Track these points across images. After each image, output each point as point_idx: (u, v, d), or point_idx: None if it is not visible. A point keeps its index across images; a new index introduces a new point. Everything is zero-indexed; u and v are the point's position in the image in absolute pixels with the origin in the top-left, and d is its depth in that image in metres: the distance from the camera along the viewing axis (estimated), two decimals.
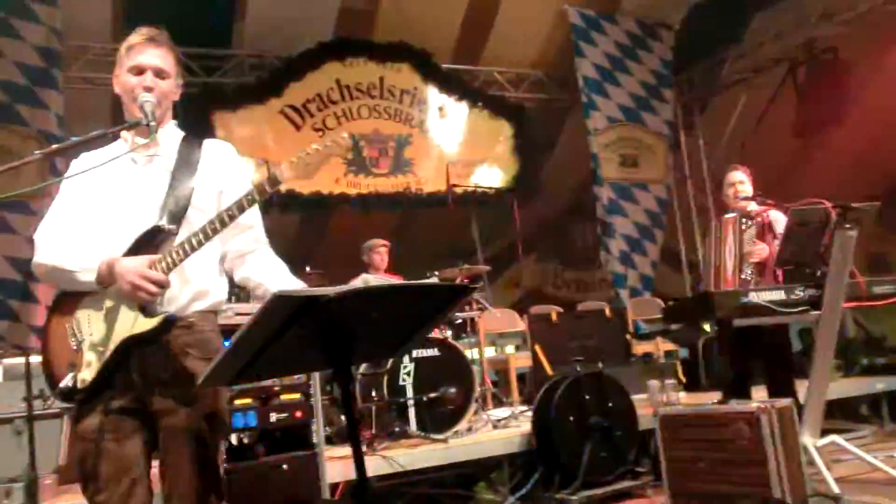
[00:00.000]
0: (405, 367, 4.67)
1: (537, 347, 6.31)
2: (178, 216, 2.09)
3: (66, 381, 1.93)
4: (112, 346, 1.97)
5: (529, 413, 5.41)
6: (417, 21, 7.12)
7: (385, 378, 4.60)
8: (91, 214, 2.09)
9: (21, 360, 4.50)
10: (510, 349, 7.27)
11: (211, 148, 2.26)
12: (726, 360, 4.55)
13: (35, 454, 3.82)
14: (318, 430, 3.61)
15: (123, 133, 2.19)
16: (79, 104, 6.90)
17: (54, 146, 1.99)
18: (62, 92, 6.65)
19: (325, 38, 6.94)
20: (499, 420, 5.14)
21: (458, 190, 6.42)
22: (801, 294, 4.05)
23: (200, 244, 2.01)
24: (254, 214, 2.25)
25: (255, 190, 2.05)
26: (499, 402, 5.88)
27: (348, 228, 6.96)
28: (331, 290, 1.57)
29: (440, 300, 1.90)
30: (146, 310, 1.98)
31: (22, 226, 6.27)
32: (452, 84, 7.55)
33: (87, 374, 1.94)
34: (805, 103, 8.06)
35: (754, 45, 8.18)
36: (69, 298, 2.06)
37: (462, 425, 4.71)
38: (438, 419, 4.64)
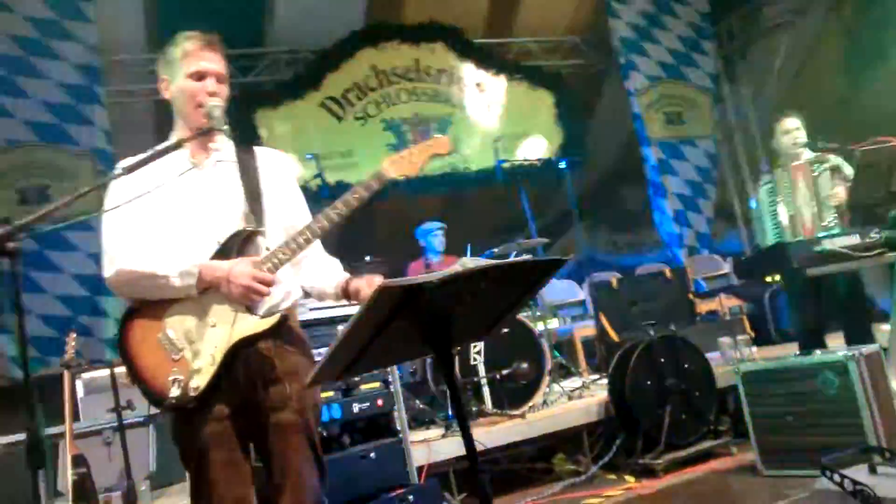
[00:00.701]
0: (475, 346, 4.67)
1: (601, 315, 6.28)
2: (258, 219, 2.11)
3: (174, 391, 1.93)
4: (224, 348, 1.98)
5: (601, 381, 5.41)
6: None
7: (456, 359, 4.61)
8: (165, 221, 2.07)
9: (99, 373, 4.64)
10: (571, 319, 7.22)
11: (264, 154, 2.29)
12: (800, 312, 4.44)
13: (129, 462, 3.92)
14: (401, 417, 3.64)
15: (176, 135, 2.18)
16: (123, 117, 7.01)
17: (134, 161, 1.99)
18: (105, 107, 6.77)
19: (356, 27, 6.93)
20: (572, 391, 5.13)
21: (506, 165, 6.38)
22: (877, 236, 3.95)
23: (308, 242, 2.04)
24: (305, 213, 2.28)
25: (362, 187, 2.06)
26: (568, 373, 5.86)
27: (396, 214, 6.96)
28: (433, 277, 1.57)
29: (534, 275, 1.88)
30: (251, 310, 2.01)
31: (84, 243, 6.42)
32: (488, 59, 7.48)
33: (199, 381, 1.95)
34: (851, 42, 7.80)
35: None
36: (149, 308, 2.03)
37: (537, 399, 4.71)
38: (513, 395, 4.63)
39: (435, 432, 4.38)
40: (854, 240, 3.93)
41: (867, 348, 3.52)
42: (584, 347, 6.60)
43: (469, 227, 6.66)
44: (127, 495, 3.77)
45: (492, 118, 7.48)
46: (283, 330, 2.05)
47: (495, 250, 5.30)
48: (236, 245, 2.06)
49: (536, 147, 7.71)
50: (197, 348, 1.98)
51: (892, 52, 7.46)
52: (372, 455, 3.44)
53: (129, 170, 1.93)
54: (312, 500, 2.05)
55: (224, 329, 2.00)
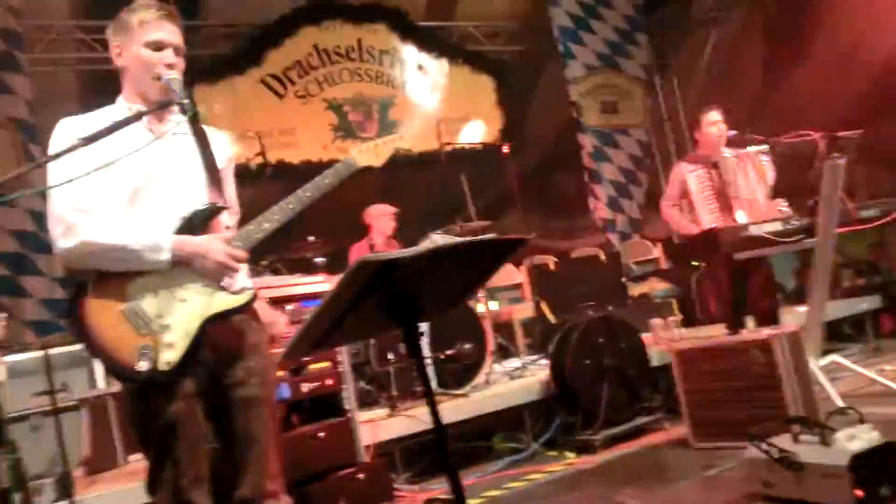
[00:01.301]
0: (419, 327, 4.75)
1: (539, 297, 6.45)
2: (220, 194, 2.13)
3: (143, 364, 1.90)
4: (198, 323, 1.98)
5: (541, 362, 5.59)
6: None
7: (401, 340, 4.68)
8: (125, 191, 2.03)
9: (21, 356, 4.49)
10: (509, 301, 7.38)
11: (211, 133, 2.29)
12: (722, 295, 4.70)
13: (64, 448, 3.81)
14: (350, 396, 3.69)
15: (128, 104, 2.16)
16: (46, 87, 6.69)
17: (90, 133, 1.93)
18: (28, 76, 6.48)
19: (298, 3, 6.86)
20: (513, 371, 5.28)
21: (448, 148, 6.47)
22: (797, 224, 4.21)
23: (280, 222, 2.07)
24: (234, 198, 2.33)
25: (332, 173, 2.12)
26: (507, 354, 6.02)
27: (334, 194, 6.91)
28: (407, 252, 1.64)
29: (498, 253, 1.97)
30: (222, 286, 2.04)
31: (3, 219, 6.18)
32: (430, 42, 7.52)
33: (171, 356, 1.94)
34: (773, 39, 8.17)
35: None
36: (109, 281, 1.98)
37: (480, 379, 4.83)
38: (456, 375, 4.75)
39: (380, 412, 4.46)
40: (777, 226, 4.19)
41: (790, 328, 3.77)
42: (522, 329, 6.77)
43: (407, 208, 6.70)
44: (61, 482, 3.62)
45: (433, 101, 7.55)
46: (250, 306, 2.10)
47: (438, 232, 5.38)
48: (201, 220, 2.07)
49: (477, 131, 7.82)
50: (166, 322, 1.97)
51: (810, 51, 7.84)
52: (321, 434, 3.48)
53: (89, 140, 1.89)
54: (276, 474, 2.10)
55: (195, 304, 2.01)
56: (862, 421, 2.75)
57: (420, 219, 8.01)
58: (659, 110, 8.89)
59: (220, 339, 2.06)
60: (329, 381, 3.58)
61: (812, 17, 7.80)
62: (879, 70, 7.66)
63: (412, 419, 4.22)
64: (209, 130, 2.28)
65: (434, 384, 4.68)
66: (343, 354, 3.72)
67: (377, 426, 4.11)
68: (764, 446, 2.82)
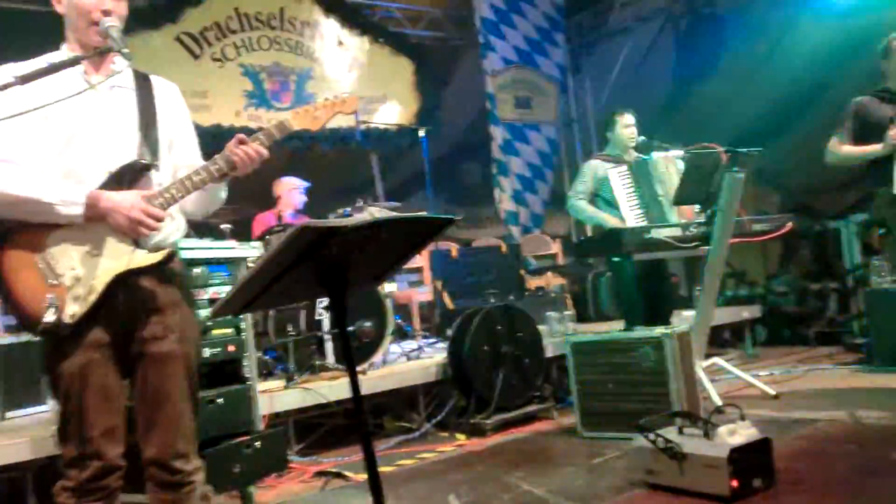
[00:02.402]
0: (321, 301, 4.72)
1: (438, 282, 6.53)
2: (153, 151, 2.07)
3: (49, 317, 1.86)
4: (106, 279, 1.94)
5: (438, 345, 5.66)
6: None
7: (303, 313, 4.65)
8: (51, 141, 1.97)
9: None
10: (409, 284, 7.42)
11: (162, 86, 2.24)
12: (627, 293, 4.90)
13: None
14: (252, 365, 3.64)
15: (68, 53, 2.08)
16: None
17: (28, 71, 1.86)
18: None
19: None
20: (410, 352, 5.33)
21: (363, 127, 6.42)
22: (695, 231, 4.45)
23: (204, 183, 2.02)
24: (195, 151, 2.30)
25: (264, 135, 2.08)
26: (404, 336, 6.06)
27: None
28: (348, 222, 1.64)
29: (427, 231, 2.00)
30: (139, 243, 1.97)
31: None
32: (353, 19, 7.42)
33: (76, 308, 1.90)
34: (683, 54, 8.55)
35: None
36: (26, 231, 1.93)
37: (377, 357, 4.85)
38: (355, 352, 4.75)
39: (276, 384, 4.41)
40: (677, 231, 4.42)
41: (679, 328, 3.98)
42: (420, 312, 6.83)
43: (316, 183, 6.62)
44: None
45: (351, 78, 7.46)
46: (168, 264, 2.04)
47: (349, 209, 5.34)
48: (129, 176, 2.01)
49: (393, 112, 7.80)
50: (77, 275, 1.93)
51: (717, 67, 8.26)
52: (219, 401, 3.41)
53: (24, 80, 1.80)
54: (187, 434, 2.06)
55: (109, 260, 1.96)
56: (743, 418, 2.95)
57: (328, 195, 7.95)
58: (569, 110, 9.13)
59: (136, 295, 2.02)
60: (231, 348, 3.51)
61: (720, 36, 8.21)
62: (776, 92, 8.19)
63: (307, 392, 4.21)
64: (157, 80, 2.20)
65: (332, 359, 4.67)
66: (247, 322, 3.65)
67: (272, 397, 4.07)
68: (652, 436, 2.99)
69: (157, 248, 2.03)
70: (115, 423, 1.98)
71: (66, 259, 1.94)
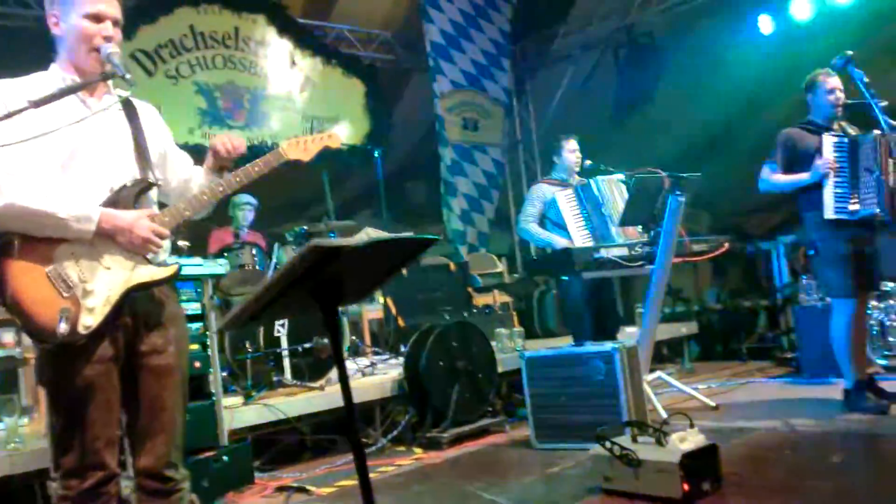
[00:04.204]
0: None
1: (389, 300, 6.64)
2: (149, 168, 2.16)
3: (63, 327, 1.90)
4: (121, 291, 2.02)
5: (391, 361, 5.77)
6: None
7: (261, 329, 4.70)
8: (55, 160, 2.03)
9: None
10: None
11: (143, 108, 2.33)
12: (576, 310, 5.11)
13: None
14: (217, 380, 3.69)
15: (62, 74, 2.15)
16: None
17: (35, 99, 1.91)
18: None
19: None
20: (365, 367, 5.42)
21: None
22: (640, 250, 4.69)
23: (210, 202, 2.12)
24: (191, 165, 2.42)
25: (262, 162, 2.20)
26: (357, 352, 6.14)
27: None
28: (348, 242, 1.77)
29: (412, 250, 2.14)
30: (146, 258, 2.05)
31: None
32: (307, 40, 7.52)
33: (90, 321, 1.96)
34: (622, 81, 8.91)
35: (582, 25, 8.89)
36: (33, 243, 1.97)
37: (334, 373, 4.91)
38: (312, 368, 4.82)
39: (234, 400, 4.44)
40: (624, 251, 4.65)
41: (628, 343, 4.20)
42: (370, 328, 6.92)
43: (266, 200, 6.66)
44: None
45: (304, 98, 7.55)
46: (174, 280, 2.13)
47: (306, 227, 5.42)
48: (132, 195, 2.09)
49: (343, 132, 7.90)
50: (90, 288, 1.99)
51: (654, 94, 8.65)
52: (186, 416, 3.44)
53: (37, 104, 1.87)
54: (179, 444, 2.14)
55: (120, 273, 2.04)
56: (692, 426, 3.16)
57: (277, 212, 7.98)
58: (514, 132, 9.39)
59: (140, 308, 2.10)
60: (196, 364, 3.56)
61: (657, 64, 8.61)
62: (708, 117, 8.62)
63: (266, 408, 4.26)
64: (140, 104, 2.28)
65: (288, 375, 4.73)
66: (212, 339, 3.70)
67: (232, 413, 4.11)
68: (608, 444, 3.17)
69: (162, 264, 2.12)
70: (115, 433, 2.05)
71: (78, 272, 1.99)
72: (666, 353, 7.24)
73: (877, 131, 4.19)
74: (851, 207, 4.17)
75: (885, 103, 4.21)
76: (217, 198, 2.20)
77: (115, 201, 2.08)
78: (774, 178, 4.44)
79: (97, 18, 2.11)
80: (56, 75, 2.15)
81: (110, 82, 2.20)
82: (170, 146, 2.36)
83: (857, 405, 4.19)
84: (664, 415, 4.35)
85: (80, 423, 1.98)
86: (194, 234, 5.38)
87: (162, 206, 2.24)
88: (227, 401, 4.42)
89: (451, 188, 8.15)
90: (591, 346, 4.22)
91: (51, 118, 1.99)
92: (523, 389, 4.38)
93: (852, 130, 4.42)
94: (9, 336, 4.24)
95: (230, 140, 2.30)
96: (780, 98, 7.36)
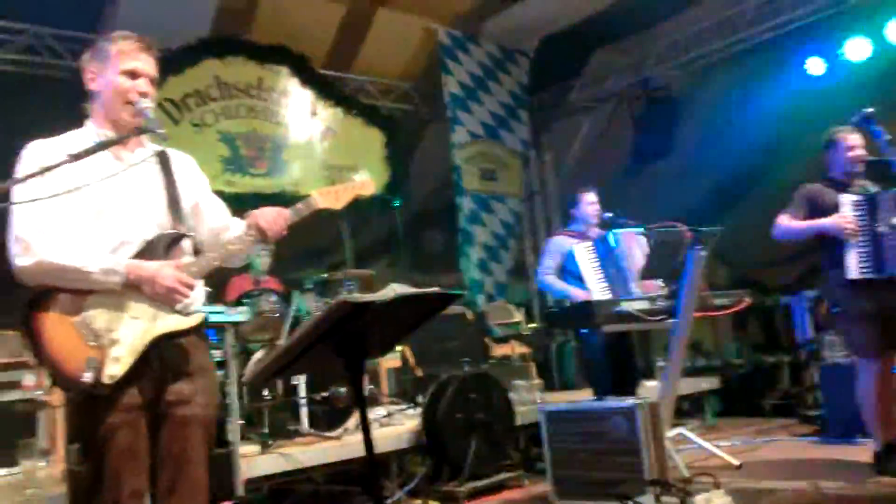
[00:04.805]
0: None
1: (405, 348, 6.61)
2: (181, 220, 2.19)
3: (87, 377, 1.93)
4: (147, 340, 2.04)
5: (408, 411, 5.71)
6: (295, 23, 7.17)
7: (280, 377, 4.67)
8: (86, 214, 2.09)
9: None
10: None
11: (178, 158, 2.37)
12: (597, 363, 5.06)
13: None
14: (234, 429, 3.66)
15: (97, 129, 2.21)
16: None
17: (73, 153, 1.98)
18: None
19: (202, 34, 6.79)
20: (381, 418, 5.36)
21: None
22: (662, 304, 4.66)
23: (240, 251, 2.14)
24: (226, 214, 2.43)
25: (293, 211, 2.22)
26: (374, 402, 6.08)
27: None
28: (376, 297, 1.77)
29: (436, 304, 2.13)
30: (173, 308, 2.06)
31: None
32: (329, 90, 7.66)
33: (115, 370, 1.98)
34: (639, 133, 8.99)
35: (598, 77, 9.01)
36: (65, 294, 2.03)
37: (351, 423, 4.87)
38: (329, 418, 4.78)
39: (251, 448, 4.40)
40: (645, 304, 4.62)
41: (651, 398, 4.14)
42: (387, 378, 6.87)
43: (282, 246, 6.71)
44: None
45: (324, 147, 7.65)
46: (201, 329, 2.13)
47: (324, 276, 5.44)
48: (163, 245, 2.12)
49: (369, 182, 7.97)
50: (116, 337, 2.01)
51: (670, 146, 8.70)
52: None
53: (76, 158, 1.93)
54: (203, 499, 2.11)
55: (146, 323, 2.06)
56: (717, 486, 3.10)
57: (294, 258, 8.01)
58: (531, 183, 9.45)
59: (168, 357, 2.11)
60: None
61: (673, 117, 8.68)
62: (724, 170, 8.64)
63: (283, 457, 4.21)
64: (175, 154, 2.32)
65: (305, 424, 4.69)
66: (231, 387, 3.69)
67: (249, 461, 4.07)
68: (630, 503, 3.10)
69: (189, 313, 2.13)
70: (143, 484, 2.04)
71: (105, 322, 2.02)
72: (687, 409, 7.11)
73: (894, 188, 4.16)
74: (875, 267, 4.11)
75: None
76: (247, 248, 2.21)
77: (145, 252, 2.11)
78: (792, 223, 4.37)
79: (133, 75, 2.19)
80: (90, 131, 2.21)
81: (144, 136, 2.24)
82: (204, 195, 2.40)
83: (887, 468, 4.09)
84: (686, 473, 4.26)
85: (108, 473, 1.98)
86: (214, 281, 5.43)
87: (198, 254, 2.27)
88: (243, 449, 4.39)
89: (468, 237, 8.17)
90: (612, 402, 4.16)
91: (84, 173, 2.05)
92: (542, 443, 4.31)
93: (872, 188, 4.40)
94: (29, 379, 4.25)
95: (277, 224, 2.25)
96: (795, 152, 7.38)
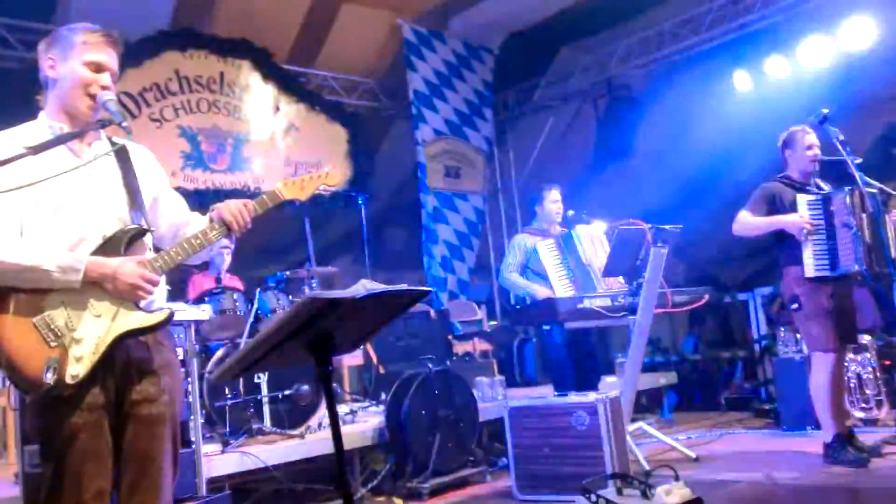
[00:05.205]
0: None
1: (369, 346, 6.60)
2: (142, 215, 2.15)
3: (49, 377, 1.89)
4: (109, 339, 1.99)
5: (371, 409, 5.71)
6: (257, 16, 7.08)
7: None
8: (42, 210, 2.03)
9: None
10: None
11: (137, 151, 2.33)
12: (552, 360, 5.12)
13: None
14: (196, 428, 3.62)
15: (50, 122, 2.16)
16: None
17: (32, 146, 1.93)
18: None
19: (161, 26, 6.65)
20: (345, 415, 5.35)
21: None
22: (623, 301, 4.73)
23: (202, 247, 2.10)
24: (185, 209, 2.40)
25: (258, 203, 2.19)
26: (336, 399, 6.06)
27: None
28: (347, 293, 1.77)
29: (406, 301, 2.14)
30: (136, 305, 2.03)
31: None
32: (292, 86, 7.56)
33: (77, 370, 1.93)
34: (602, 131, 9.08)
35: (563, 76, 9.08)
36: (21, 293, 1.96)
37: (314, 421, 4.85)
38: (292, 416, 4.75)
39: (212, 447, 4.35)
40: (607, 301, 4.68)
41: (612, 393, 4.20)
42: (349, 375, 6.86)
43: (243, 243, 6.64)
44: None
45: (287, 143, 7.57)
46: (165, 325, 2.10)
47: (287, 273, 5.40)
48: (124, 241, 2.08)
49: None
50: (77, 336, 1.96)
51: (632, 145, 8.80)
52: None
53: (36, 150, 1.87)
54: (168, 498, 2.09)
55: (108, 321, 2.01)
56: (677, 479, 3.15)
57: (255, 256, 7.93)
58: (495, 181, 9.48)
59: (132, 355, 2.07)
60: None
61: (635, 117, 8.78)
62: (684, 169, 8.77)
63: (245, 456, 4.18)
64: (133, 148, 2.28)
65: (268, 422, 4.66)
66: (193, 385, 3.65)
67: (210, 461, 4.03)
68: (594, 497, 3.14)
69: (152, 310, 2.09)
70: (105, 485, 2.00)
71: (65, 321, 1.97)
72: (645, 403, 7.23)
73: (847, 187, 4.28)
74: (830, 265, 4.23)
75: (859, 160, 4.32)
76: (211, 243, 2.18)
77: (105, 248, 2.06)
78: (753, 218, 4.46)
79: (98, 68, 2.14)
80: (44, 124, 2.16)
81: (102, 130, 2.20)
82: (163, 190, 2.36)
83: (837, 458, 4.21)
84: (647, 466, 4.34)
85: (69, 474, 1.94)
86: (174, 279, 5.35)
87: (157, 250, 2.23)
88: (205, 448, 4.33)
89: (432, 235, 8.17)
90: (574, 397, 4.22)
91: (40, 168, 1.99)
92: (505, 439, 4.34)
93: (826, 187, 4.53)
94: None
95: (242, 216, 2.21)
96: (753, 152, 7.53)
